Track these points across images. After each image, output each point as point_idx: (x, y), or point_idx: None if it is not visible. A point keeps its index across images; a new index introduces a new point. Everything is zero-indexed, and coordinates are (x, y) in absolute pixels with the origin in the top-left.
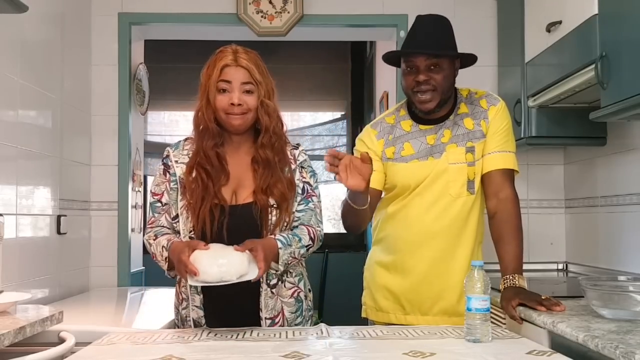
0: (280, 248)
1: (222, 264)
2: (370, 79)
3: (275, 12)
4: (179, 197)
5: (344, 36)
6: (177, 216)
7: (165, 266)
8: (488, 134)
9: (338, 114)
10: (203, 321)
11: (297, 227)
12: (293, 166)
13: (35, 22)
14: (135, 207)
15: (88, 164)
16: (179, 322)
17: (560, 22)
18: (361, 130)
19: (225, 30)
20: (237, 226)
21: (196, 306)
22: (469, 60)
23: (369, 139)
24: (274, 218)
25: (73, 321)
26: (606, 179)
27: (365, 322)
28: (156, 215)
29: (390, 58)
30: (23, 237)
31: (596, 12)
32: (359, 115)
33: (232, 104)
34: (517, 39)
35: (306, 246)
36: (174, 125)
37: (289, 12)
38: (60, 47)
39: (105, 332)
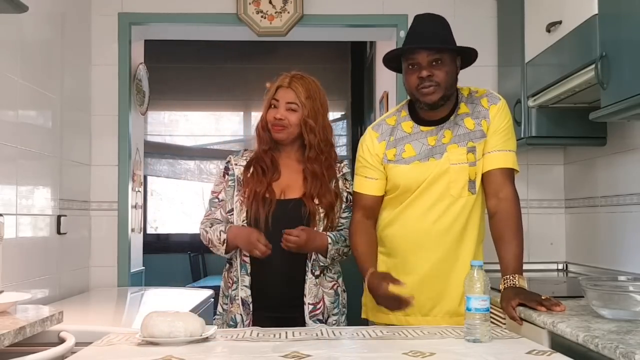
0: (330, 243)
1: (177, 325)
2: (370, 79)
3: (275, 12)
4: (235, 193)
5: (344, 36)
6: (232, 209)
7: (222, 248)
8: (489, 133)
9: (338, 114)
10: (250, 300)
11: (341, 230)
12: (338, 175)
13: (35, 22)
14: (135, 207)
15: (88, 164)
16: (226, 305)
17: (560, 22)
18: (361, 130)
19: (225, 30)
20: (284, 219)
21: (245, 286)
22: (471, 57)
23: (372, 143)
24: (322, 222)
25: (73, 321)
26: (606, 179)
27: (365, 322)
28: (212, 209)
29: (391, 61)
30: (23, 237)
31: (596, 12)
32: (359, 115)
33: (275, 118)
34: (517, 39)
35: (349, 246)
36: (174, 125)
37: (289, 12)
38: (60, 47)
39: (105, 332)
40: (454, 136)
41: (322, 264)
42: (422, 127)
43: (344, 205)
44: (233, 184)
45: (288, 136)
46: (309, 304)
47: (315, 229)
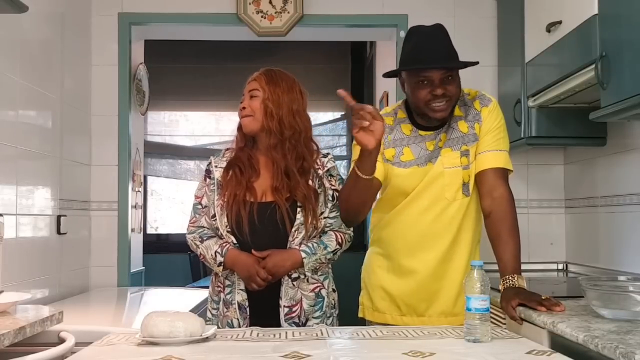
0: (305, 257)
1: (177, 325)
2: (370, 79)
3: (275, 12)
4: (216, 197)
5: (344, 36)
6: (215, 215)
7: (218, 268)
8: (481, 134)
9: (338, 114)
10: (246, 304)
11: (326, 232)
12: (320, 172)
13: (35, 22)
14: (135, 207)
15: (88, 164)
16: (215, 310)
17: (560, 22)
18: None
19: (225, 30)
20: (265, 223)
21: (241, 289)
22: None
23: None
24: (302, 218)
25: (73, 321)
26: (606, 179)
27: (362, 322)
28: (197, 216)
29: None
30: (23, 237)
31: (596, 12)
32: None
33: (240, 109)
34: (517, 39)
35: (333, 251)
36: (174, 125)
37: (289, 12)
38: (60, 47)
39: (105, 332)
40: (448, 139)
41: (304, 274)
42: (420, 132)
43: (330, 205)
44: (214, 187)
45: (256, 124)
46: (284, 306)
47: (292, 228)
